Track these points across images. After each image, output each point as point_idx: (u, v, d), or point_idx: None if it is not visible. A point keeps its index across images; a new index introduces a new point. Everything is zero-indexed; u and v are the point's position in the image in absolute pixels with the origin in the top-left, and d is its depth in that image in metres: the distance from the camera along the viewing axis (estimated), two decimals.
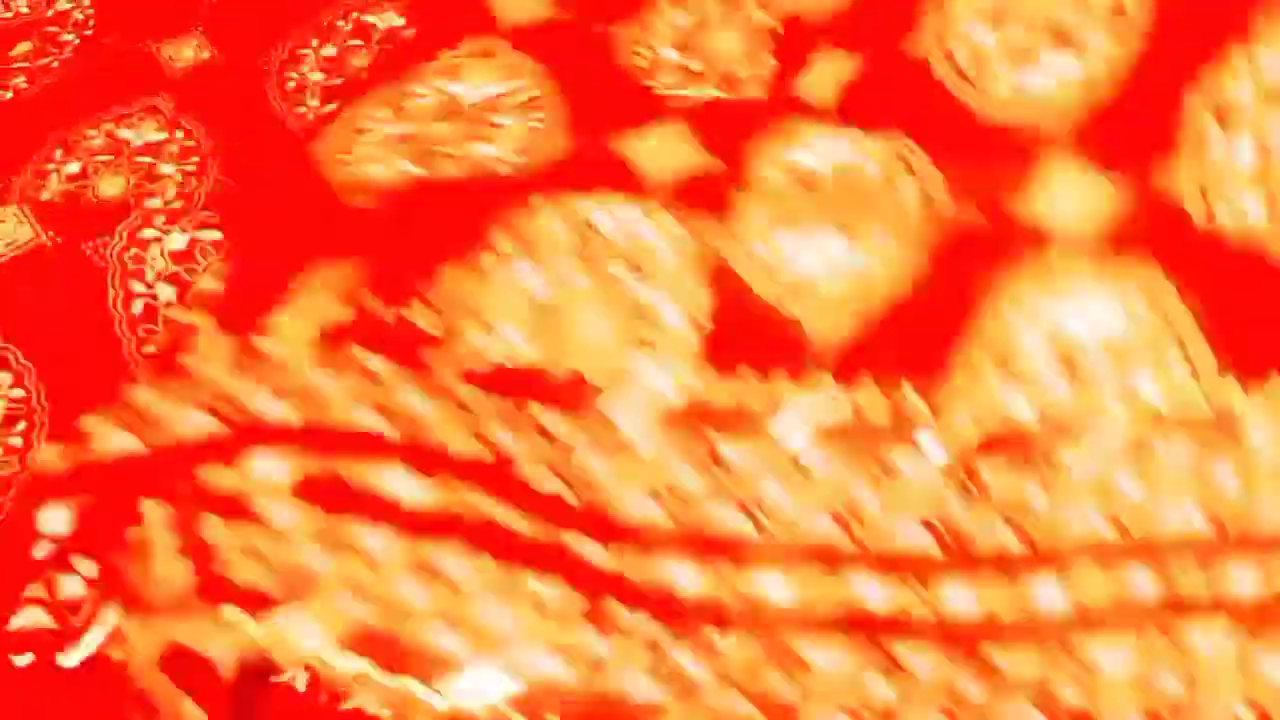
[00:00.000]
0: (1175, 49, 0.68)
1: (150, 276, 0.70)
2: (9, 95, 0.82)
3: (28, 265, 0.71)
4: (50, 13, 0.87)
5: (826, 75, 0.74)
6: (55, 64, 0.84)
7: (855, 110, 0.72)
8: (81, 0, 0.88)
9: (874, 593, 0.56)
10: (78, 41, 0.85)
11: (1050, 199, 0.66)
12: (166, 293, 0.70)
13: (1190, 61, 0.67)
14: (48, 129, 0.79)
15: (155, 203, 0.74)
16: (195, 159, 0.78)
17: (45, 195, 0.75)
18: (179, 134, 0.79)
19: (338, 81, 0.82)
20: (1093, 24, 0.71)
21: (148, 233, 0.71)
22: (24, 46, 0.85)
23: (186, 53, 0.85)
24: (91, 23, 0.87)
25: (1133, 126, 0.67)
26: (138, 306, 0.69)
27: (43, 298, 0.70)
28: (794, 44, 0.75)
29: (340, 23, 0.86)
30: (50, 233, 0.71)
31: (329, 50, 0.85)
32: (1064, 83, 0.70)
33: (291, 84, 0.83)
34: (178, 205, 0.74)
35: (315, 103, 0.82)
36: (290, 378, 0.61)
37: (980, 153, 0.69)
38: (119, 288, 0.70)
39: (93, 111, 0.80)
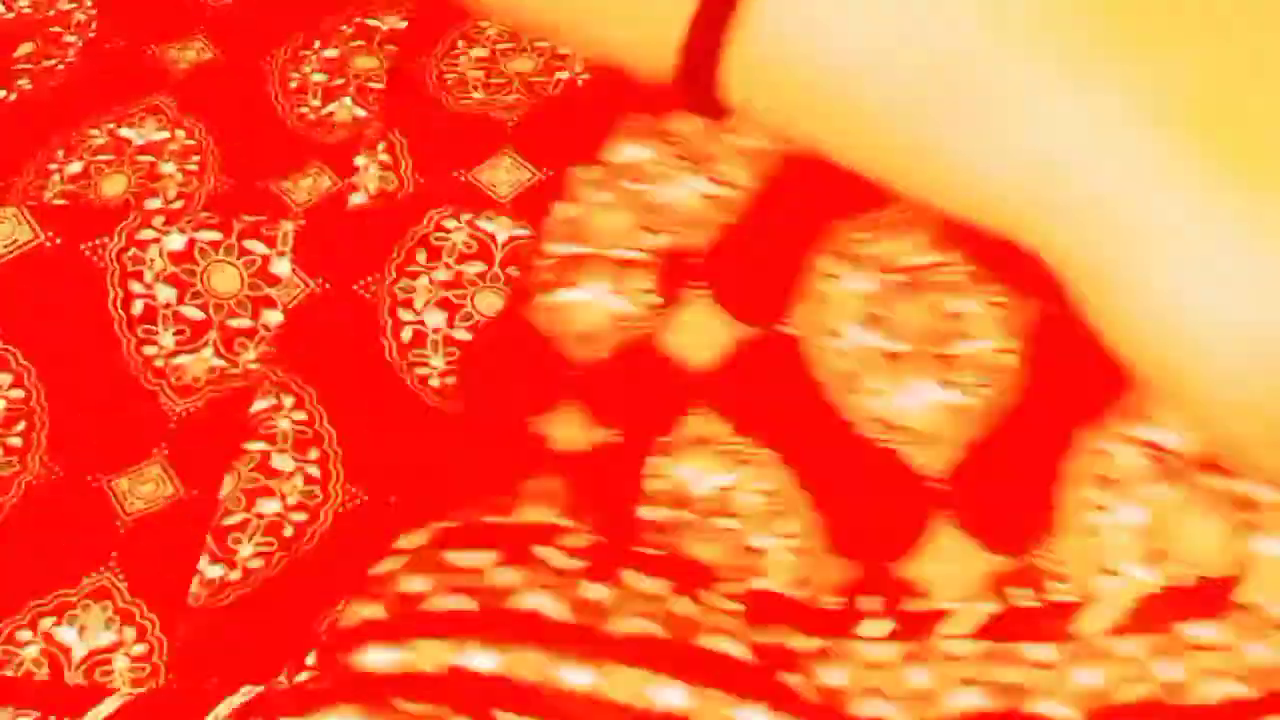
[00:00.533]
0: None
1: (149, 278, 0.70)
2: (13, 96, 0.82)
3: (27, 266, 0.71)
4: (51, 12, 0.88)
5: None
6: (60, 66, 0.84)
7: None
8: (84, 1, 0.88)
9: None
10: (81, 44, 0.85)
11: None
12: (166, 294, 0.70)
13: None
14: (50, 130, 0.79)
15: (156, 202, 0.75)
16: (196, 158, 0.78)
17: (47, 195, 0.75)
18: (180, 133, 0.79)
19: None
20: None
21: (146, 233, 0.71)
22: (27, 48, 0.85)
23: (189, 54, 0.85)
24: (94, 25, 0.87)
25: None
26: (137, 307, 0.70)
27: (42, 298, 0.70)
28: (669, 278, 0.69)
29: (344, 26, 0.87)
30: (49, 233, 0.72)
31: (331, 52, 0.85)
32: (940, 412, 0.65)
33: (294, 83, 0.83)
34: (178, 205, 0.75)
35: (316, 102, 0.82)
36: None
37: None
38: (118, 288, 0.70)
39: (95, 112, 0.80)
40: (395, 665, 0.53)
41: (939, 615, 0.60)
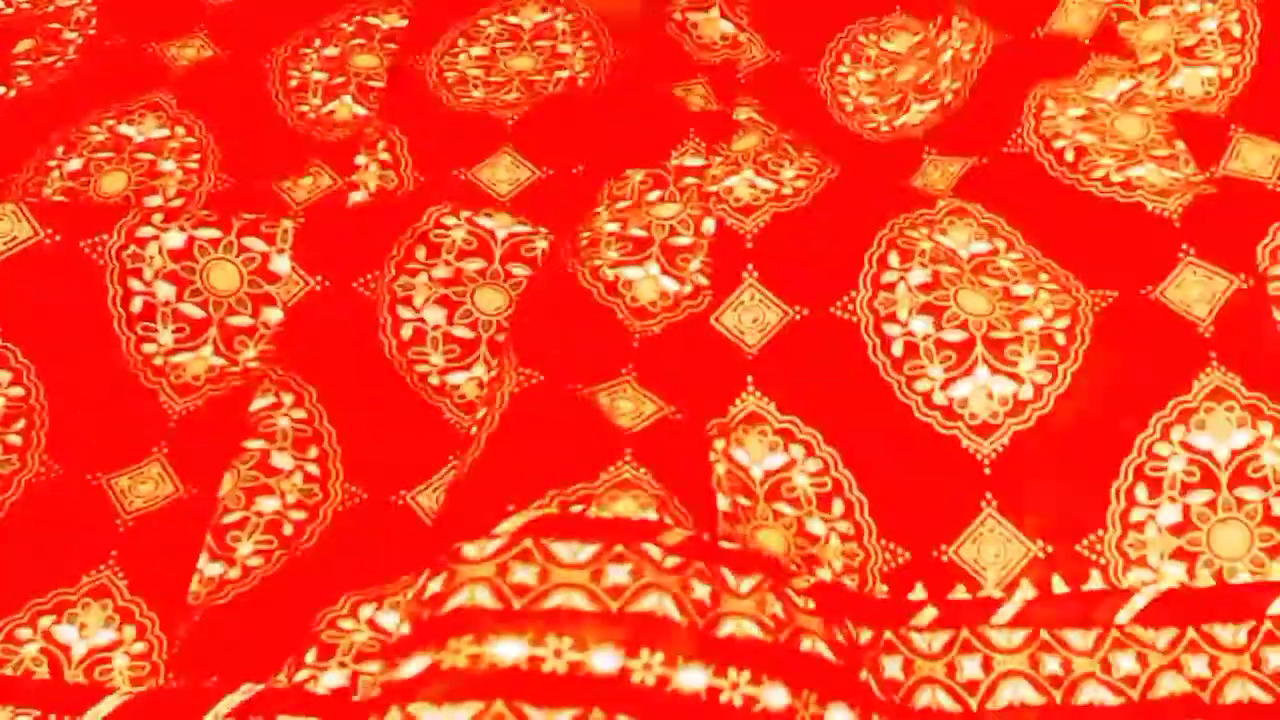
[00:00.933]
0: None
1: (148, 275, 0.70)
2: (12, 93, 0.82)
3: (27, 263, 0.71)
4: (51, 8, 0.88)
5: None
6: (60, 63, 0.84)
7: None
8: None
9: None
10: (81, 40, 0.86)
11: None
12: (165, 291, 0.70)
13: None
14: (50, 126, 0.79)
15: (155, 200, 0.75)
16: (196, 156, 0.78)
17: (47, 191, 0.75)
18: (180, 130, 0.79)
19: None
20: None
21: (145, 230, 0.71)
22: (26, 44, 0.85)
23: (189, 51, 0.85)
24: (94, 21, 0.87)
25: None
26: (137, 305, 0.70)
27: (42, 296, 0.70)
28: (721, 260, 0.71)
29: (344, 24, 0.87)
30: (49, 230, 0.71)
31: (331, 50, 0.85)
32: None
33: (294, 82, 0.83)
34: (178, 203, 0.75)
35: (317, 101, 0.82)
36: None
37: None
38: (117, 285, 0.70)
39: (94, 108, 0.80)
40: (523, 660, 0.53)
41: (985, 604, 0.61)
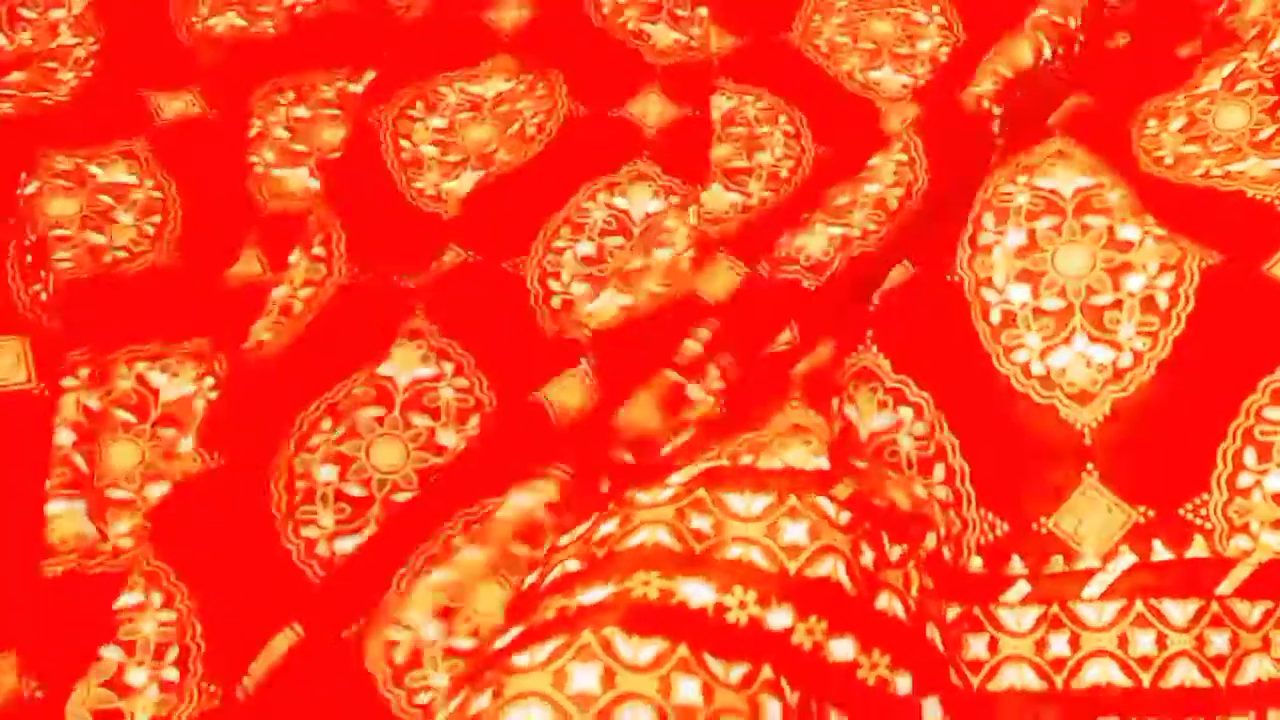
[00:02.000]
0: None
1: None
2: None
3: None
4: (54, 44, 0.91)
5: None
6: (49, 100, 0.87)
7: None
8: (86, 39, 0.91)
9: None
10: (75, 81, 0.89)
11: None
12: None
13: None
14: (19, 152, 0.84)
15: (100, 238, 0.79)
16: (157, 218, 0.82)
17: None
18: (149, 183, 0.83)
19: None
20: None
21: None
22: (17, 76, 0.89)
23: (177, 105, 0.89)
24: (91, 63, 0.90)
25: None
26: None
27: None
28: None
29: (323, 86, 0.90)
30: None
31: (302, 111, 0.89)
32: None
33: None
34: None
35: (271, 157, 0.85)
36: None
37: None
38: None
39: (68, 145, 0.84)
40: (710, 606, 0.55)
41: (1081, 576, 0.61)
